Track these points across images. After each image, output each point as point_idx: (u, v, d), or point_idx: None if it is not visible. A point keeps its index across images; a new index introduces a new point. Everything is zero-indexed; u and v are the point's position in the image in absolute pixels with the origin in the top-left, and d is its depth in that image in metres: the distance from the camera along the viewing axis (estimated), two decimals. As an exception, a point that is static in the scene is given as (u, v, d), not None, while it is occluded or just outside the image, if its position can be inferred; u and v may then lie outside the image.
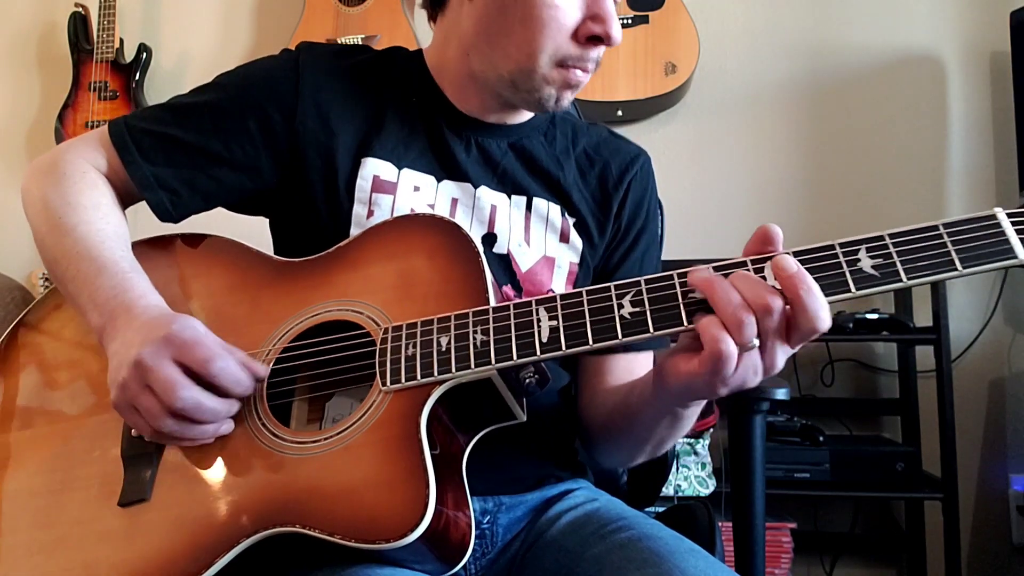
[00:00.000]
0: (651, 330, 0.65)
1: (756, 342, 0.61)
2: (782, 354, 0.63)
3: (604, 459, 0.94)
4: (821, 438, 1.89)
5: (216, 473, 0.71)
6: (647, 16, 2.24)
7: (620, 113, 2.25)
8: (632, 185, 0.97)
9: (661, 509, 1.03)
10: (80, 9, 2.54)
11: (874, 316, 1.94)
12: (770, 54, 2.34)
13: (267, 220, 0.96)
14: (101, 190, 0.86)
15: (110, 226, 0.83)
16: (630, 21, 2.24)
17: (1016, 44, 2.01)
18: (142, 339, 0.69)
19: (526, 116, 0.95)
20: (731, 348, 0.60)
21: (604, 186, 0.96)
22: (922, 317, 2.04)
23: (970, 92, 2.24)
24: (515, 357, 0.68)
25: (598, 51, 0.84)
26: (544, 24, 0.80)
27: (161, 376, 0.67)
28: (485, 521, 0.85)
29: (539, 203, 0.92)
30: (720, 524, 1.00)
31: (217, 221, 0.93)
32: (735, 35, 2.36)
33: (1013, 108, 2.01)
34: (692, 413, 0.79)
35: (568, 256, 0.92)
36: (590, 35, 0.81)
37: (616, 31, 0.81)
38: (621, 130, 1.04)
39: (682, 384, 0.66)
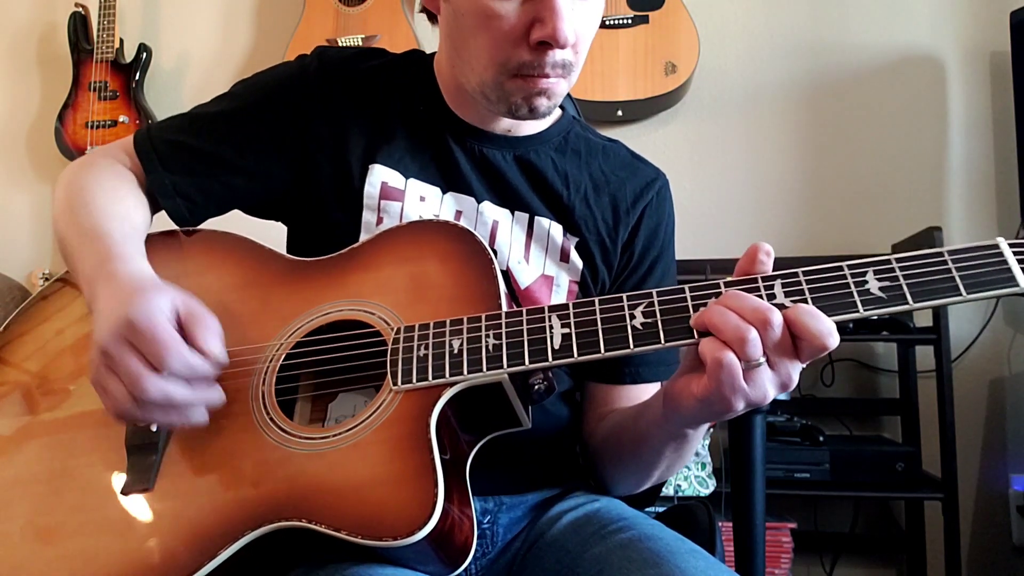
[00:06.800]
0: (662, 341, 0.65)
1: (762, 359, 0.61)
2: (795, 369, 0.62)
3: (612, 486, 0.92)
4: (821, 438, 1.89)
5: (222, 465, 0.71)
6: (647, 16, 2.24)
7: (620, 113, 2.23)
8: (647, 212, 0.94)
9: (661, 509, 1.03)
10: (80, 9, 2.53)
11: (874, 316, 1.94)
12: (770, 54, 2.34)
13: (281, 223, 0.97)
14: (126, 180, 0.88)
15: (120, 206, 0.84)
16: (630, 21, 2.24)
17: (1016, 44, 2.01)
18: (104, 319, 0.68)
19: (534, 129, 0.93)
20: (730, 357, 0.60)
21: (616, 209, 0.93)
22: (922, 317, 2.04)
23: (970, 92, 2.24)
24: (527, 362, 0.68)
25: (554, 55, 0.77)
26: (490, 35, 0.77)
27: (124, 369, 0.66)
28: (485, 521, 0.85)
29: (541, 221, 0.90)
30: (720, 524, 1.00)
31: (233, 221, 0.94)
32: (735, 35, 2.36)
33: (1013, 108, 2.01)
34: (698, 435, 0.78)
35: (567, 276, 0.90)
36: (538, 40, 0.76)
37: (562, 30, 0.74)
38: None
39: (695, 404, 0.65)
